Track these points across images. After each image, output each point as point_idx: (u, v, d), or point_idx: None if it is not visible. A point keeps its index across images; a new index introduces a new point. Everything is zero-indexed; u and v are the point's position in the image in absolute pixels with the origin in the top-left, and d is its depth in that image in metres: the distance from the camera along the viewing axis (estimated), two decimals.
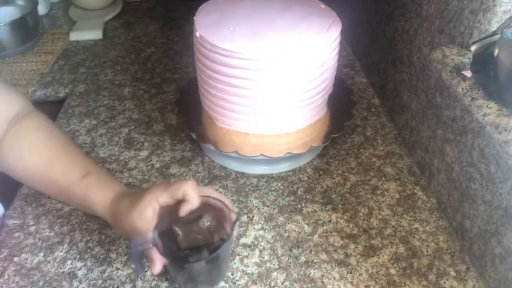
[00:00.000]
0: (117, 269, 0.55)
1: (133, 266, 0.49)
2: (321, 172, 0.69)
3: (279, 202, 0.64)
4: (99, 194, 0.50)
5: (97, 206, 0.50)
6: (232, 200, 0.64)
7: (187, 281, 0.52)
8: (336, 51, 0.63)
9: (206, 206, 0.50)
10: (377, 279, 0.54)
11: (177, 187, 0.47)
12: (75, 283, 0.54)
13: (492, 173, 0.50)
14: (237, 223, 0.50)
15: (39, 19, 1.06)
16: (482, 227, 0.53)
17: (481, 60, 0.49)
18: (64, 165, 0.52)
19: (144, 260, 0.52)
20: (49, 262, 0.56)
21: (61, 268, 0.55)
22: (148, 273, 0.55)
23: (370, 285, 0.53)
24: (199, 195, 0.48)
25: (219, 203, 0.50)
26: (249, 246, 0.58)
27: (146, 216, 0.47)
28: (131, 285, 0.54)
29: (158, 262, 0.47)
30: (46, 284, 0.54)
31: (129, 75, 0.92)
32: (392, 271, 0.55)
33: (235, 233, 0.48)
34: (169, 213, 0.49)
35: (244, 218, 0.62)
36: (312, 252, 0.57)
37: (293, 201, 0.64)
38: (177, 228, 0.50)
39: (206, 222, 0.51)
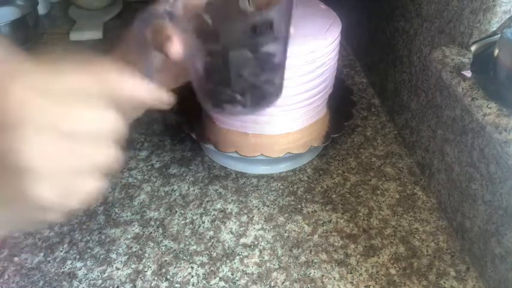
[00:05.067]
0: (117, 269, 0.55)
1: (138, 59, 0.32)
2: (321, 172, 0.69)
3: (279, 202, 0.64)
4: None
5: None
6: (232, 200, 0.64)
7: (219, 90, 0.33)
8: (336, 51, 0.63)
9: None
10: (377, 279, 0.54)
11: None
12: (75, 283, 0.54)
13: (492, 173, 0.50)
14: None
15: (39, 19, 1.06)
16: (482, 227, 0.53)
17: (481, 60, 0.49)
18: None
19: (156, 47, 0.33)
20: (49, 262, 0.56)
21: (61, 268, 0.55)
22: (148, 272, 0.55)
23: (370, 285, 0.53)
24: None
25: None
26: (249, 246, 0.58)
27: None
28: (131, 285, 0.54)
29: (177, 39, 0.31)
30: (46, 284, 0.54)
31: None
32: (392, 271, 0.55)
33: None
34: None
35: (244, 218, 0.62)
36: (312, 252, 0.57)
37: (293, 201, 0.64)
38: (205, 14, 0.32)
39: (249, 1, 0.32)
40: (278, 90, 0.36)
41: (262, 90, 0.34)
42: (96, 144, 0.27)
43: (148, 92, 0.30)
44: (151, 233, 0.60)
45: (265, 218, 0.62)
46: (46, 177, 0.25)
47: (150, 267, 0.56)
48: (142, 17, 0.31)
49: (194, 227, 0.60)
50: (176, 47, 0.31)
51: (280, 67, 0.35)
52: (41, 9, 1.12)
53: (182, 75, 0.36)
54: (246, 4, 0.33)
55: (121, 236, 0.59)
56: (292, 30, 0.34)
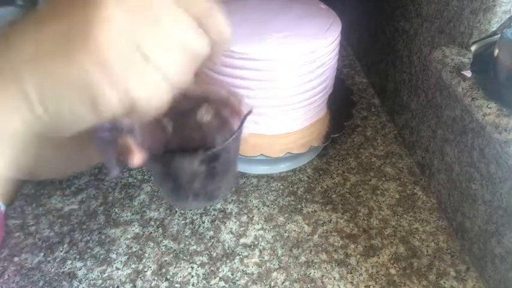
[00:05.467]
0: (117, 269, 0.55)
1: (104, 160, 0.34)
2: (321, 172, 0.69)
3: (279, 202, 0.64)
4: None
5: None
6: (232, 200, 0.64)
7: (174, 190, 0.37)
8: (336, 51, 0.63)
9: (206, 95, 0.36)
10: (377, 279, 0.54)
11: None
12: (75, 283, 0.54)
13: (492, 173, 0.50)
14: (247, 118, 0.37)
15: None
16: (482, 227, 0.53)
17: (481, 60, 0.49)
18: None
19: (117, 157, 0.35)
20: (49, 262, 0.56)
21: (61, 268, 0.55)
22: (148, 272, 0.55)
23: (370, 285, 0.53)
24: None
25: (224, 92, 0.37)
26: (249, 246, 0.58)
27: None
28: (131, 285, 0.54)
29: (137, 152, 0.33)
30: (46, 284, 0.54)
31: None
32: (392, 271, 0.55)
33: (244, 130, 0.37)
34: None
35: (244, 218, 0.62)
36: (312, 252, 0.57)
37: (293, 201, 0.64)
38: (165, 120, 0.35)
39: (206, 115, 0.36)
40: (226, 189, 0.40)
41: (210, 195, 0.38)
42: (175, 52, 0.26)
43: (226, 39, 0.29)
44: (151, 233, 0.60)
45: (265, 218, 0.62)
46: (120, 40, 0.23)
47: (150, 267, 0.56)
48: (105, 126, 0.31)
49: (194, 227, 0.60)
50: (136, 159, 0.33)
51: (227, 175, 0.38)
52: None
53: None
54: (202, 118, 0.36)
55: (121, 236, 0.59)
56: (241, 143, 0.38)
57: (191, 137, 0.36)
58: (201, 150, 0.35)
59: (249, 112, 0.36)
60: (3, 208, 0.63)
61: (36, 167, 0.34)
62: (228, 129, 0.37)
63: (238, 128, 0.36)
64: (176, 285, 0.54)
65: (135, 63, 0.24)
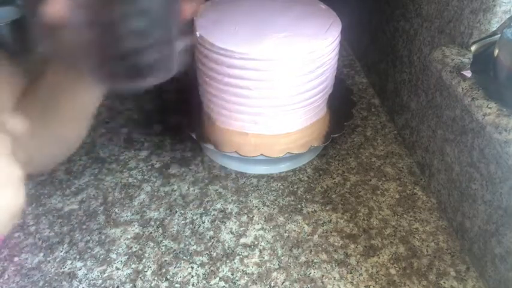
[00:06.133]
0: (117, 269, 0.55)
1: None
2: (321, 172, 0.69)
3: (279, 202, 0.64)
4: None
5: None
6: (232, 200, 0.64)
7: (96, 58, 0.31)
8: (336, 51, 0.63)
9: None
10: (377, 279, 0.54)
11: None
12: (75, 283, 0.54)
13: (492, 173, 0.50)
14: None
15: None
16: (482, 227, 0.53)
17: (481, 60, 0.49)
18: None
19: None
20: (49, 262, 0.56)
21: (61, 268, 0.55)
22: (148, 272, 0.55)
23: (370, 285, 0.53)
24: None
25: None
26: (249, 246, 0.58)
27: None
28: (131, 285, 0.54)
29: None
30: (46, 284, 0.54)
31: None
32: (392, 271, 0.55)
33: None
34: None
35: (244, 218, 0.62)
36: (312, 252, 0.57)
37: (293, 201, 0.64)
38: None
39: None
40: (164, 57, 0.32)
41: (140, 59, 0.31)
42: None
43: None
44: (151, 233, 0.60)
45: (265, 218, 0.62)
46: None
47: (150, 267, 0.56)
48: None
49: (194, 227, 0.60)
50: (55, 6, 0.27)
51: (163, 25, 0.31)
52: None
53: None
54: None
55: (121, 236, 0.59)
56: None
57: None
58: None
59: None
60: None
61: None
62: None
63: None
64: (176, 285, 0.54)
65: None
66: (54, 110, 0.42)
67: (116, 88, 0.35)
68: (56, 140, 0.44)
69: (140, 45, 0.30)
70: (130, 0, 0.28)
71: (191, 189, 0.66)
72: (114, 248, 0.58)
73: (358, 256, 0.57)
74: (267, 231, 0.60)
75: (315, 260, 0.56)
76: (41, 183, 0.67)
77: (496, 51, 0.46)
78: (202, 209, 0.63)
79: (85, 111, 0.43)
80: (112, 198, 0.65)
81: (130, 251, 0.57)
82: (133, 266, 0.56)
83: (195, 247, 0.58)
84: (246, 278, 0.54)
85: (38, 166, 0.46)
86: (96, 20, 0.29)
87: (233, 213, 0.62)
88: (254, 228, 0.60)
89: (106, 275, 0.55)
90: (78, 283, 0.54)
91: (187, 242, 0.58)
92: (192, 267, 0.55)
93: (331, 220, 0.61)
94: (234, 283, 0.54)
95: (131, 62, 0.31)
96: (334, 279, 0.54)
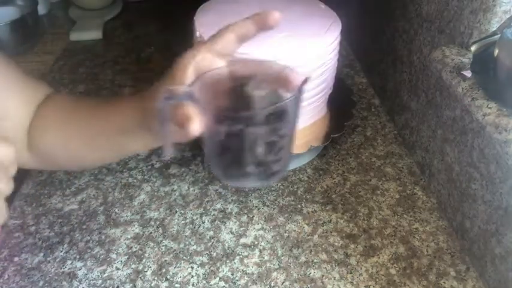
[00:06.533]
0: (117, 269, 0.55)
1: (161, 137, 0.35)
2: (321, 172, 0.69)
3: (279, 202, 0.64)
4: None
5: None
6: (232, 200, 0.64)
7: (233, 161, 0.37)
8: (336, 51, 0.63)
9: (253, 73, 0.38)
10: (377, 279, 0.54)
11: (218, 32, 0.37)
12: (75, 283, 0.54)
13: (492, 173, 0.50)
14: (305, 84, 0.36)
15: (39, 19, 1.06)
16: (482, 227, 0.53)
17: (481, 60, 0.49)
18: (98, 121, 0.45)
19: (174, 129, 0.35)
20: (49, 262, 0.56)
21: (61, 268, 0.55)
22: (148, 272, 0.55)
23: (370, 285, 0.53)
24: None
25: (274, 67, 0.38)
26: (249, 246, 0.58)
27: (177, 80, 0.36)
28: (131, 285, 0.54)
29: (197, 118, 0.33)
30: (46, 284, 0.54)
31: (129, 75, 0.92)
32: (392, 271, 0.55)
33: (302, 97, 0.36)
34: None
35: (244, 218, 0.62)
36: (312, 252, 0.57)
37: (293, 201, 0.64)
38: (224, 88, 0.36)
39: (255, 88, 0.36)
40: (284, 167, 0.39)
41: (270, 168, 0.37)
42: None
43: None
44: (151, 233, 0.60)
45: (265, 218, 0.62)
46: None
47: (150, 267, 0.56)
48: (165, 96, 0.33)
49: (194, 227, 0.60)
50: (195, 126, 0.33)
51: (288, 147, 0.38)
52: (41, 9, 1.12)
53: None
54: (257, 91, 0.36)
55: (121, 236, 0.59)
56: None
57: (246, 106, 0.36)
58: (263, 108, 0.35)
59: (306, 80, 0.35)
60: None
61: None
62: (281, 98, 0.37)
63: (297, 90, 0.35)
64: (176, 285, 0.54)
65: None
66: (98, 140, 0.45)
67: (241, 186, 0.42)
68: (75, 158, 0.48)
69: (274, 158, 0.37)
70: (272, 129, 0.35)
71: (191, 189, 0.66)
72: (114, 248, 0.58)
73: (358, 256, 0.57)
74: (267, 231, 0.60)
75: (315, 260, 0.56)
76: (41, 183, 0.67)
77: (496, 51, 0.46)
78: (202, 209, 0.63)
79: (121, 155, 0.48)
80: (112, 198, 0.65)
81: (130, 251, 0.57)
82: (133, 266, 0.56)
83: (195, 247, 0.58)
84: (246, 278, 0.54)
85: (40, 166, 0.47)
86: (236, 137, 0.35)
87: (233, 213, 0.62)
88: (254, 228, 0.60)
89: (106, 275, 0.55)
90: (78, 283, 0.54)
91: (187, 242, 0.58)
92: (192, 267, 0.55)
93: (331, 220, 0.61)
94: (234, 283, 0.54)
95: (264, 169, 0.37)
96: (334, 279, 0.54)
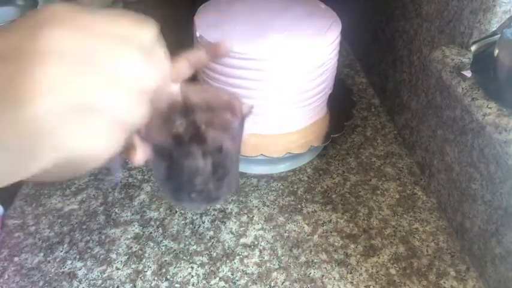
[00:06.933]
0: (117, 269, 0.55)
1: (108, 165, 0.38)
2: (321, 172, 0.69)
3: (279, 202, 0.64)
4: None
5: None
6: (232, 200, 0.64)
7: (176, 189, 0.39)
8: (336, 51, 0.63)
9: (206, 100, 0.38)
10: (377, 279, 0.54)
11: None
12: (75, 283, 0.54)
13: (492, 173, 0.50)
14: (247, 117, 0.37)
15: None
16: (482, 227, 0.53)
17: (481, 60, 0.49)
18: None
19: (122, 163, 0.40)
20: (49, 262, 0.56)
21: (61, 268, 0.55)
22: (148, 272, 0.55)
23: (370, 285, 0.53)
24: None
25: (224, 95, 0.39)
26: (249, 246, 0.58)
27: None
28: (131, 285, 0.54)
29: (140, 150, 0.35)
30: (46, 284, 0.54)
31: None
32: (392, 271, 0.55)
33: (244, 129, 0.38)
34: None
35: (244, 218, 0.62)
36: (312, 252, 0.57)
37: (293, 201, 0.64)
38: (170, 119, 0.38)
39: (204, 120, 0.38)
40: (229, 191, 0.41)
41: (212, 194, 0.39)
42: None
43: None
44: (151, 233, 0.60)
45: (265, 218, 0.62)
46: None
47: (150, 267, 0.56)
48: None
49: (194, 227, 0.60)
50: (138, 156, 0.34)
51: (228, 175, 0.40)
52: None
53: None
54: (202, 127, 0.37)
55: (121, 236, 0.59)
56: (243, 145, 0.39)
57: (192, 136, 0.37)
58: (204, 145, 0.36)
59: (249, 111, 0.37)
60: (1, 210, 0.63)
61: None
62: (229, 129, 0.39)
63: (238, 125, 0.37)
64: (176, 285, 0.54)
65: (73, 117, 0.24)
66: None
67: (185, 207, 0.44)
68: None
69: (216, 185, 0.38)
70: (212, 162, 0.36)
71: None
72: (114, 248, 0.58)
73: (358, 256, 0.57)
74: (267, 231, 0.60)
75: (315, 260, 0.56)
76: (41, 183, 0.67)
77: (496, 51, 0.46)
78: (202, 209, 0.63)
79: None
80: (112, 198, 0.65)
81: (130, 251, 0.58)
82: (133, 266, 0.56)
83: (195, 247, 0.58)
84: (246, 278, 0.54)
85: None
86: (173, 169, 0.36)
87: (233, 213, 0.62)
88: (254, 228, 0.60)
89: (106, 275, 0.55)
90: (78, 283, 0.54)
91: (187, 242, 0.58)
92: (192, 267, 0.55)
93: (331, 220, 0.61)
94: (234, 283, 0.54)
95: (206, 196, 0.38)
96: (334, 279, 0.54)
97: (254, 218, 0.62)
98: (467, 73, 0.51)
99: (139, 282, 0.54)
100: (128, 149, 0.35)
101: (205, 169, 0.36)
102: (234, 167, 0.41)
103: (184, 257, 0.57)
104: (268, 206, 0.64)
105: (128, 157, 0.35)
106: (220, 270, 0.55)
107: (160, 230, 0.60)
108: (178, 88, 0.40)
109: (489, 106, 0.47)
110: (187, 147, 0.37)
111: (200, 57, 0.42)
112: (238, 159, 0.40)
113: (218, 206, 0.63)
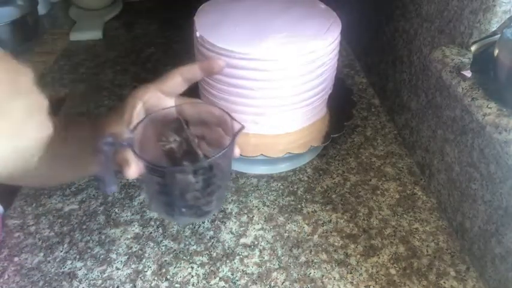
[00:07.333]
0: (117, 269, 0.55)
1: (101, 175, 0.37)
2: (321, 172, 0.69)
3: (279, 202, 0.64)
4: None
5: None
6: (232, 200, 0.64)
7: (167, 203, 0.40)
8: (336, 51, 0.63)
9: (201, 116, 0.42)
10: (377, 279, 0.54)
11: (165, 76, 0.41)
12: (75, 283, 0.54)
13: (492, 173, 0.50)
14: (238, 136, 0.39)
15: (39, 19, 1.06)
16: (482, 227, 0.53)
17: (481, 60, 0.49)
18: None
19: (116, 174, 0.39)
20: (49, 262, 0.56)
21: (61, 268, 0.55)
22: (148, 272, 0.55)
23: (370, 285, 0.53)
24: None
25: (217, 112, 0.41)
26: (249, 246, 0.58)
27: (125, 118, 0.39)
28: (131, 285, 0.54)
29: (134, 165, 0.37)
30: (46, 284, 0.54)
31: (129, 75, 0.92)
32: (392, 271, 0.55)
33: (236, 151, 0.41)
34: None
35: (244, 218, 0.62)
36: (312, 252, 0.57)
37: (293, 201, 0.64)
38: (163, 137, 0.41)
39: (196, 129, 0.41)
40: (216, 207, 0.42)
41: (202, 209, 0.40)
42: None
43: None
44: (151, 233, 0.60)
45: (265, 218, 0.62)
46: None
47: (150, 267, 0.56)
48: (106, 141, 0.36)
49: (194, 227, 0.60)
50: (132, 171, 0.37)
51: (219, 190, 0.41)
52: (41, 9, 1.12)
53: None
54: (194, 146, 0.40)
55: (121, 236, 0.59)
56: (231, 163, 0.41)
57: (185, 153, 0.40)
58: (195, 163, 0.39)
59: (240, 130, 0.39)
60: (1, 210, 0.63)
61: (25, 177, 0.38)
62: (220, 145, 0.41)
63: (229, 143, 0.39)
64: (176, 285, 0.54)
65: None
66: (59, 159, 0.44)
67: (175, 221, 0.47)
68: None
69: (206, 201, 0.40)
70: (202, 179, 0.38)
71: None
72: (114, 248, 0.58)
73: (358, 256, 0.57)
74: (267, 231, 0.60)
75: (315, 260, 0.56)
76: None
77: (496, 51, 0.46)
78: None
79: (82, 175, 0.52)
80: (112, 198, 0.65)
81: (130, 251, 0.58)
82: (133, 266, 0.56)
83: (195, 247, 0.58)
84: (246, 278, 0.54)
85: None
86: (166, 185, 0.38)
87: (233, 213, 0.62)
88: (254, 228, 0.60)
89: (106, 275, 0.55)
90: (78, 283, 0.54)
91: (187, 242, 0.58)
92: (192, 267, 0.55)
93: (331, 220, 0.61)
94: (234, 283, 0.54)
95: (196, 211, 0.40)
96: (334, 279, 0.54)
97: (254, 218, 0.62)
98: (467, 73, 0.51)
99: (139, 282, 0.54)
100: (121, 163, 0.37)
101: (196, 185, 0.38)
102: (225, 182, 0.42)
103: (184, 257, 0.57)
104: (268, 206, 0.64)
105: (121, 171, 0.37)
106: (220, 270, 0.55)
107: (160, 230, 0.60)
108: (173, 103, 0.43)
109: (489, 106, 0.47)
110: (180, 164, 0.39)
111: (194, 73, 0.44)
112: (229, 175, 0.43)
113: None
